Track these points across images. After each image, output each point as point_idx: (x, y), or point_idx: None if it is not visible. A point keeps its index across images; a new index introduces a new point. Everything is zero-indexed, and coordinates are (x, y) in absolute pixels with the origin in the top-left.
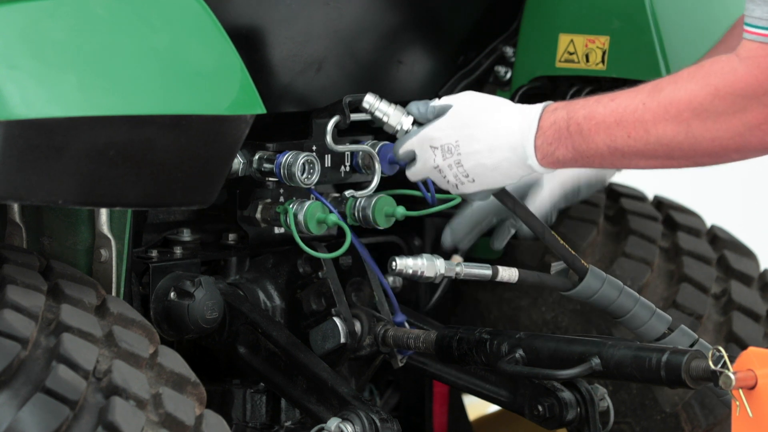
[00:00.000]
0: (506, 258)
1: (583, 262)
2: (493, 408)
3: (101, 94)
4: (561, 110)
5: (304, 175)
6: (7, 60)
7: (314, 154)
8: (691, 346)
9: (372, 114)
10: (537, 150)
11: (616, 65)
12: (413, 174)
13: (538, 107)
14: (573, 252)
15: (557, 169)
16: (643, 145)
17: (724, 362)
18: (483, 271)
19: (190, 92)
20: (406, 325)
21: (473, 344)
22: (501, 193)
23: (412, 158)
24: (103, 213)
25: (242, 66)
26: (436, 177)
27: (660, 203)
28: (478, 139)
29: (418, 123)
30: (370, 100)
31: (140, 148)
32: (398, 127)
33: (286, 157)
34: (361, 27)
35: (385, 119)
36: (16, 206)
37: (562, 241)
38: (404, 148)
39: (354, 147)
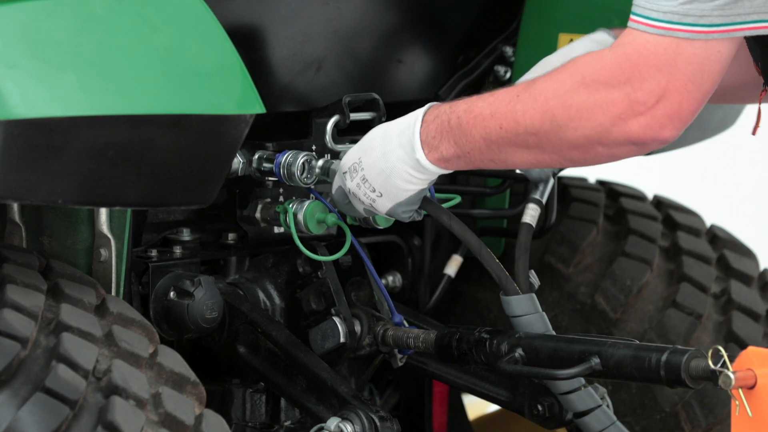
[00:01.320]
0: (505, 257)
1: (517, 287)
2: (492, 407)
3: (101, 93)
4: (445, 106)
5: (304, 175)
6: (6, 59)
7: (314, 153)
8: (591, 410)
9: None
10: (423, 145)
11: None
12: (346, 212)
13: (425, 106)
14: (507, 273)
15: (450, 171)
16: (514, 135)
17: (724, 362)
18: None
19: (189, 92)
20: (406, 324)
21: (473, 344)
22: (433, 209)
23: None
24: (103, 212)
25: (242, 65)
26: (357, 203)
27: (660, 203)
28: (374, 148)
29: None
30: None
31: (140, 148)
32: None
33: (285, 157)
34: (361, 26)
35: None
36: (15, 206)
37: (497, 260)
38: (334, 187)
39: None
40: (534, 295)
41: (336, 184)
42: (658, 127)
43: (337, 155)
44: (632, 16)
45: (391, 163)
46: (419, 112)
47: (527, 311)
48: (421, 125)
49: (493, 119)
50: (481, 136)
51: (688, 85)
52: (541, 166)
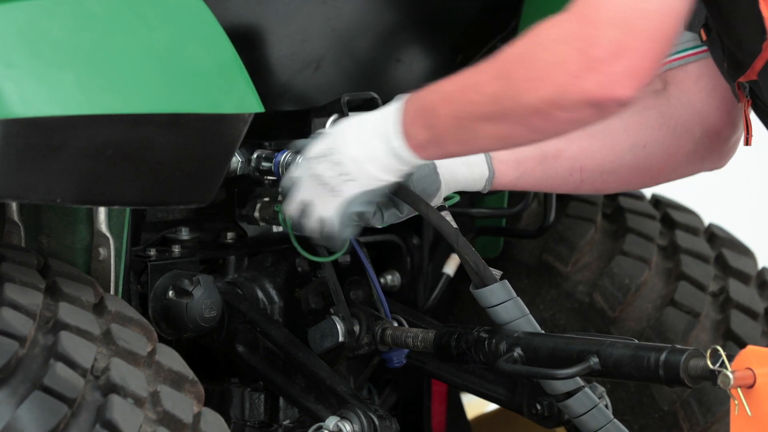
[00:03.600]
0: (504, 256)
1: (495, 275)
2: (491, 407)
3: (99, 92)
4: (421, 91)
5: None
6: (5, 58)
7: None
8: (574, 392)
9: None
10: (403, 133)
11: None
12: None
13: (404, 96)
14: (485, 262)
15: (430, 160)
16: (480, 107)
17: (723, 361)
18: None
19: (188, 91)
20: (405, 323)
21: (472, 343)
22: (409, 196)
23: (291, 186)
24: (102, 211)
25: (240, 64)
26: (316, 191)
27: (658, 201)
28: (350, 134)
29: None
30: None
31: (138, 147)
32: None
33: (284, 156)
34: (360, 25)
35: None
36: (14, 205)
37: (473, 249)
38: (287, 177)
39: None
40: (507, 281)
41: (291, 172)
42: (615, 84)
43: None
44: None
45: (367, 150)
46: (399, 102)
47: (503, 299)
48: (402, 114)
49: (459, 93)
50: (449, 113)
51: (646, 42)
52: (510, 142)
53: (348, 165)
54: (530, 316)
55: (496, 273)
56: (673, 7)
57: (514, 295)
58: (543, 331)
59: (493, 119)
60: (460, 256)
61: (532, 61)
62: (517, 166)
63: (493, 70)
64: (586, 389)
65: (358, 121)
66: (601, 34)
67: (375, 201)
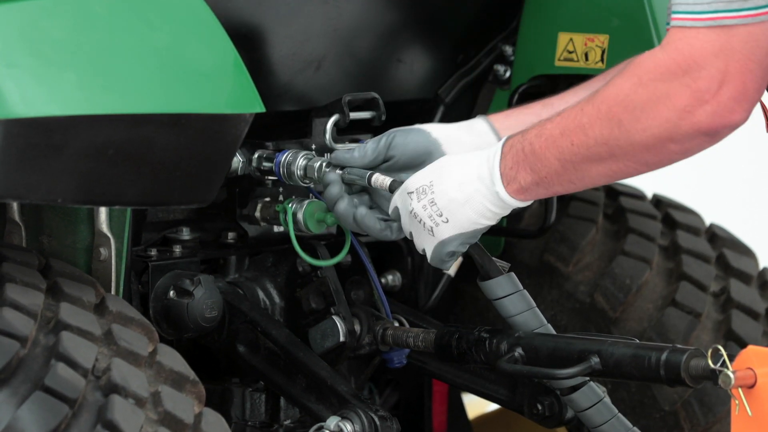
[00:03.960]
0: (505, 256)
1: (502, 268)
2: (492, 407)
3: (100, 92)
4: (517, 135)
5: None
6: (6, 58)
7: (313, 152)
8: (580, 386)
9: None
10: (502, 177)
11: (616, 64)
12: (402, 229)
13: (502, 140)
14: (490, 255)
15: (529, 202)
16: (586, 149)
17: (724, 361)
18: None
19: (189, 91)
20: (406, 323)
21: (472, 343)
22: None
23: (398, 215)
24: (103, 211)
25: (242, 64)
26: (414, 226)
27: (659, 202)
28: (449, 174)
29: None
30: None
31: (139, 147)
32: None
33: (285, 156)
34: (361, 25)
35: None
36: (15, 205)
37: (479, 244)
38: (391, 206)
39: (352, 146)
40: (513, 274)
41: (393, 203)
42: (727, 111)
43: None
44: (674, 15)
45: (467, 192)
46: (499, 145)
47: (509, 291)
48: (501, 158)
49: (563, 137)
50: (555, 157)
51: (748, 64)
52: (618, 177)
53: (447, 208)
54: (536, 309)
55: (504, 265)
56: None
57: (521, 287)
58: (548, 324)
59: (603, 160)
60: (468, 249)
61: (637, 101)
62: None
63: (597, 112)
64: (591, 384)
65: (459, 161)
66: (702, 65)
67: (470, 243)
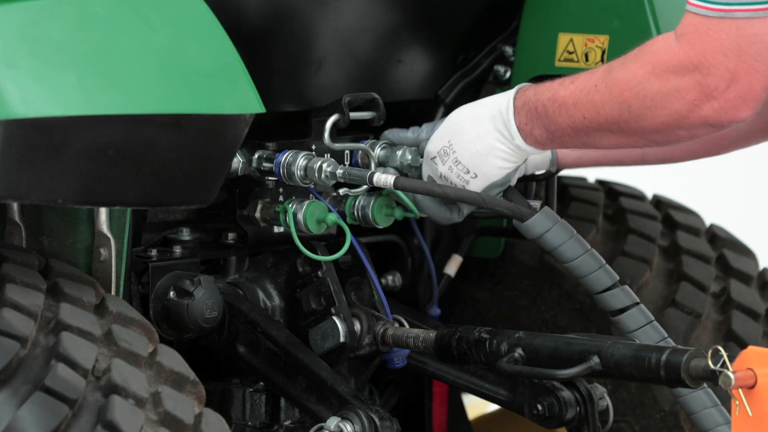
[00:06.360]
0: (505, 257)
1: (534, 206)
2: (492, 407)
3: (101, 93)
4: (529, 92)
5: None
6: (6, 59)
7: (313, 153)
8: (627, 308)
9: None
10: (520, 131)
11: None
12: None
13: (512, 91)
14: (519, 196)
15: (545, 150)
16: (597, 124)
17: (724, 361)
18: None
19: (189, 91)
20: (406, 324)
21: (472, 343)
22: (416, 185)
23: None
24: (103, 212)
25: (242, 65)
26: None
27: (659, 202)
28: (466, 130)
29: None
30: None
31: (140, 148)
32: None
33: (285, 156)
34: (361, 26)
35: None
36: (15, 205)
37: (500, 197)
38: (425, 178)
39: (352, 145)
40: (547, 207)
41: (425, 173)
42: (733, 109)
43: (336, 154)
44: (691, 1)
45: (487, 143)
46: (509, 97)
47: (548, 226)
48: (514, 111)
49: (576, 109)
50: (567, 124)
51: (755, 65)
52: (629, 146)
53: (472, 163)
54: (578, 236)
55: (535, 203)
56: None
57: (559, 219)
58: (593, 249)
59: (612, 133)
60: (495, 210)
61: (648, 90)
62: None
63: (609, 93)
64: (641, 305)
65: (469, 116)
66: (712, 63)
67: (504, 186)
